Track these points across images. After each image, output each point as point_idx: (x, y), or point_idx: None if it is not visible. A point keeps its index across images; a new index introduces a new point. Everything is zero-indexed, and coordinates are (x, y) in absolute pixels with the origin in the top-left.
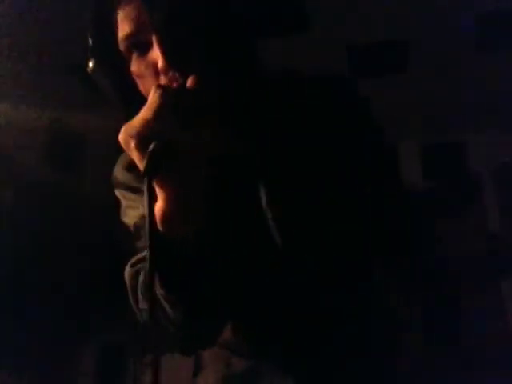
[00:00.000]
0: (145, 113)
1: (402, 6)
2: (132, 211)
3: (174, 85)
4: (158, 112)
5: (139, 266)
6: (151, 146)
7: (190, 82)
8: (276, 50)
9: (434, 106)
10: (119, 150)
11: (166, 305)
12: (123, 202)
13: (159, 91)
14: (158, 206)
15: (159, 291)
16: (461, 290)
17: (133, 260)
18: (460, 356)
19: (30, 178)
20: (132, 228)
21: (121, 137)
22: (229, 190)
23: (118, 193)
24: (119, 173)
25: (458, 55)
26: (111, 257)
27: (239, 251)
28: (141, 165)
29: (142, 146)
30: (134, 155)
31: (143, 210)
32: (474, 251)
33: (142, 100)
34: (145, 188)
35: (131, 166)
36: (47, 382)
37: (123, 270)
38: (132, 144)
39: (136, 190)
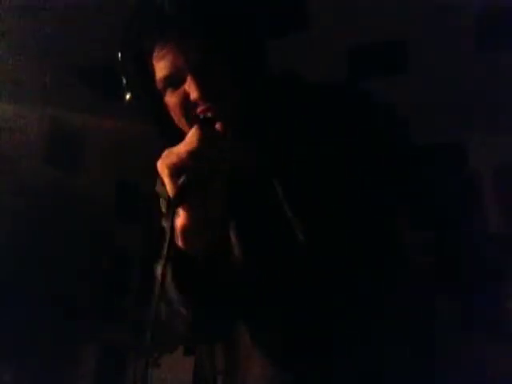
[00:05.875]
0: (181, 149)
1: (402, 6)
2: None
3: (201, 111)
4: (192, 152)
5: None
6: (182, 179)
7: (218, 126)
8: (276, 50)
9: (434, 105)
10: (119, 150)
11: (179, 306)
12: (163, 210)
13: (197, 134)
14: (180, 222)
15: (175, 294)
16: (460, 290)
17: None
18: (460, 357)
19: (30, 178)
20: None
21: (159, 163)
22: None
23: (161, 202)
24: (158, 186)
25: (458, 55)
26: (111, 257)
27: (253, 260)
28: (170, 191)
29: (174, 176)
30: (166, 182)
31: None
32: (474, 251)
33: (174, 126)
34: (170, 211)
35: None
36: (47, 382)
37: (123, 270)
38: (166, 172)
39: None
